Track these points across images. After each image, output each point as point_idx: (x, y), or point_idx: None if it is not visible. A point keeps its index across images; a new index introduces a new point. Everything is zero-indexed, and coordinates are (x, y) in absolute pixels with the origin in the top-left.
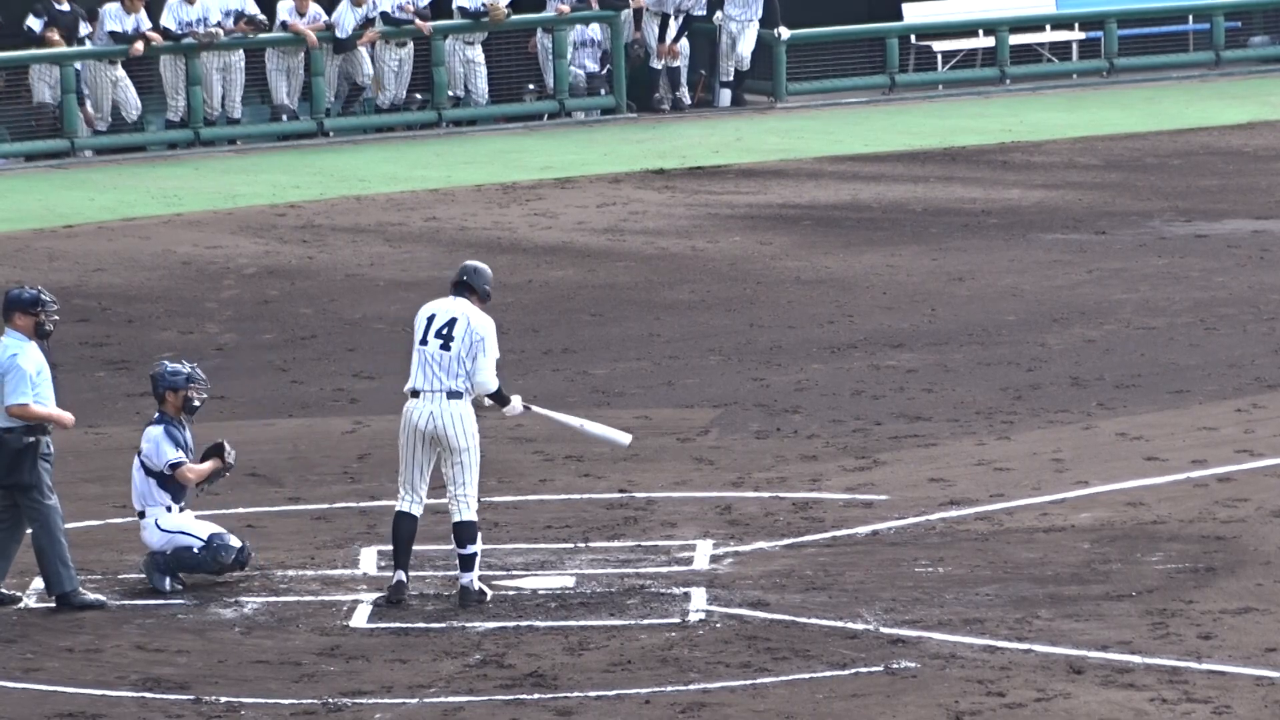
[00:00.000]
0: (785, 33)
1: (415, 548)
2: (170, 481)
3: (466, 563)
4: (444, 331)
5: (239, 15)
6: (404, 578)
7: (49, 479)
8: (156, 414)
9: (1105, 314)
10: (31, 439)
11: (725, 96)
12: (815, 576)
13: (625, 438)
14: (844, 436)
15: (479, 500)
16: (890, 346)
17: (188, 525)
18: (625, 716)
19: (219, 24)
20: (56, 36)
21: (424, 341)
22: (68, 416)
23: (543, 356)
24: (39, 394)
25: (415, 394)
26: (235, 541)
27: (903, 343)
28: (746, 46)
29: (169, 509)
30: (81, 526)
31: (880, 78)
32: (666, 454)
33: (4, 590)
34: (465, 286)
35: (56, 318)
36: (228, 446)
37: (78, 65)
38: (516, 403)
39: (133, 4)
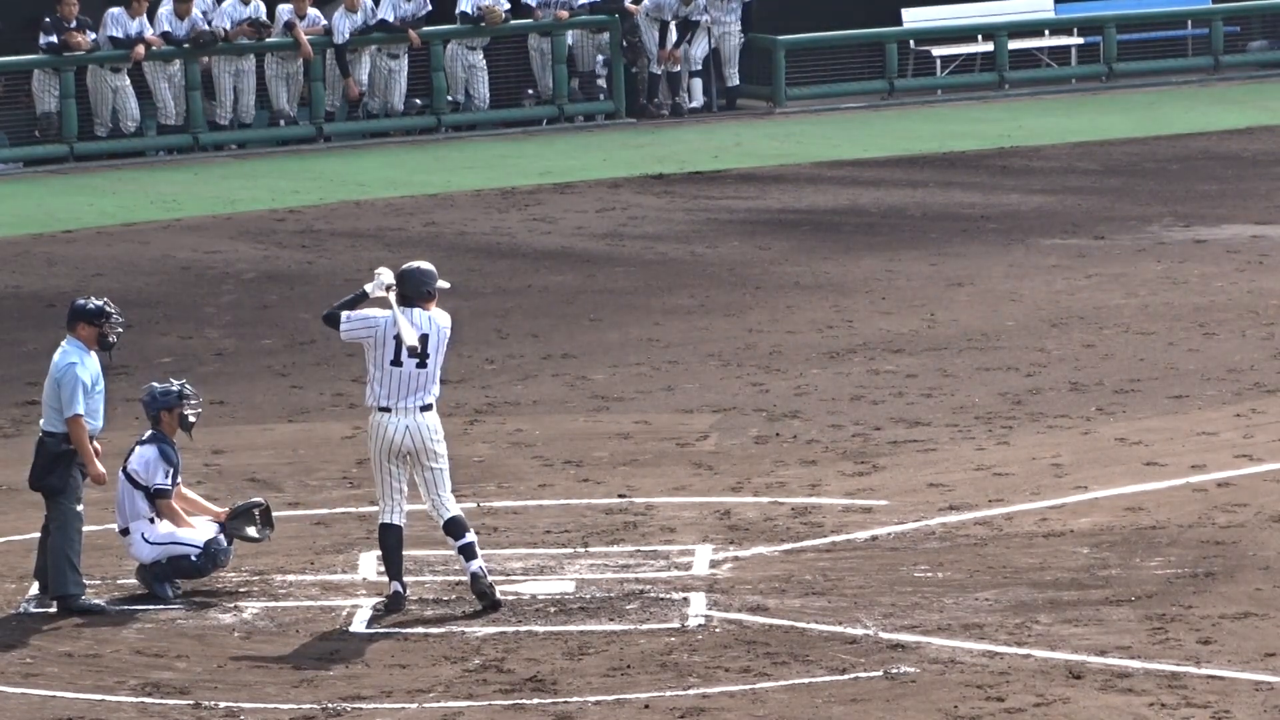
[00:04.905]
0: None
1: (413, 553)
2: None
3: (468, 551)
4: (418, 350)
5: (245, 20)
6: (400, 588)
7: (80, 489)
8: (149, 432)
9: (1104, 319)
10: (69, 447)
11: (697, 88)
12: (814, 581)
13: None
14: (843, 441)
15: (457, 503)
16: (889, 351)
17: (177, 534)
18: None
19: (221, 27)
20: (80, 38)
21: (396, 362)
22: (99, 470)
23: (542, 361)
24: (91, 406)
25: (385, 409)
26: (225, 541)
27: (902, 347)
28: (728, 57)
29: (152, 520)
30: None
31: (879, 83)
32: (666, 459)
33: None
34: (426, 297)
35: (120, 329)
36: (268, 534)
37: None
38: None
39: (136, 8)
